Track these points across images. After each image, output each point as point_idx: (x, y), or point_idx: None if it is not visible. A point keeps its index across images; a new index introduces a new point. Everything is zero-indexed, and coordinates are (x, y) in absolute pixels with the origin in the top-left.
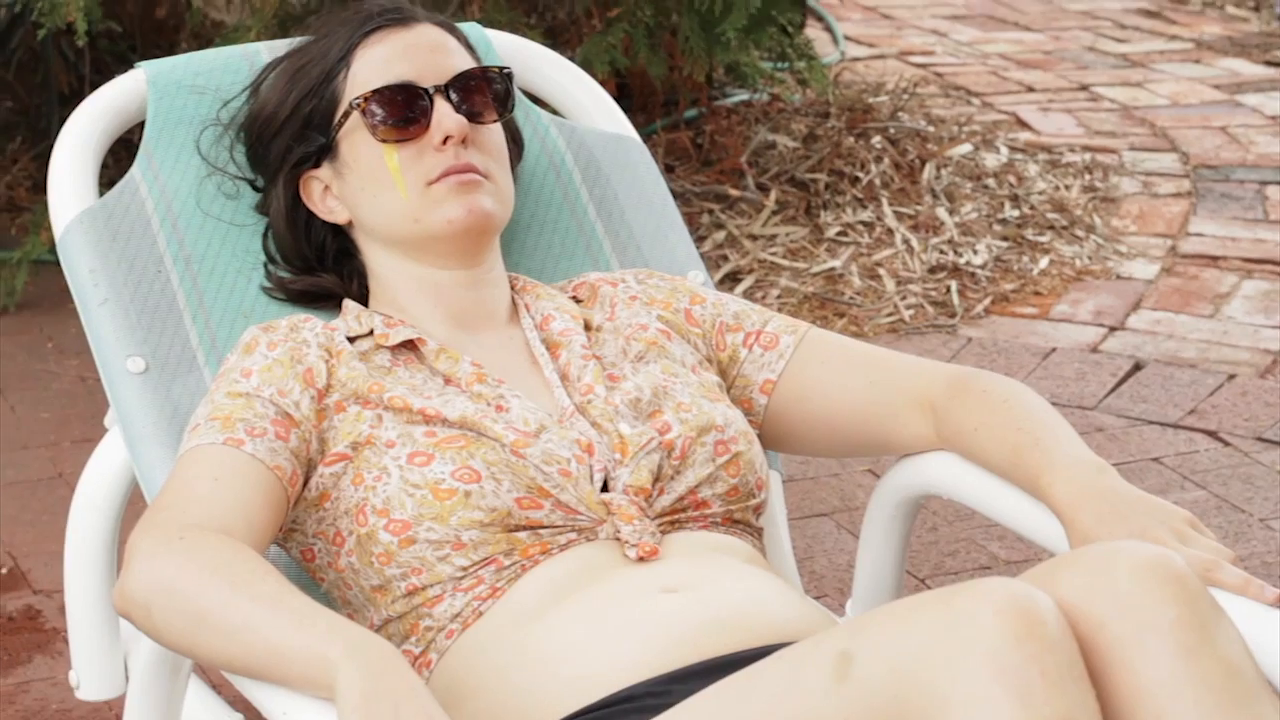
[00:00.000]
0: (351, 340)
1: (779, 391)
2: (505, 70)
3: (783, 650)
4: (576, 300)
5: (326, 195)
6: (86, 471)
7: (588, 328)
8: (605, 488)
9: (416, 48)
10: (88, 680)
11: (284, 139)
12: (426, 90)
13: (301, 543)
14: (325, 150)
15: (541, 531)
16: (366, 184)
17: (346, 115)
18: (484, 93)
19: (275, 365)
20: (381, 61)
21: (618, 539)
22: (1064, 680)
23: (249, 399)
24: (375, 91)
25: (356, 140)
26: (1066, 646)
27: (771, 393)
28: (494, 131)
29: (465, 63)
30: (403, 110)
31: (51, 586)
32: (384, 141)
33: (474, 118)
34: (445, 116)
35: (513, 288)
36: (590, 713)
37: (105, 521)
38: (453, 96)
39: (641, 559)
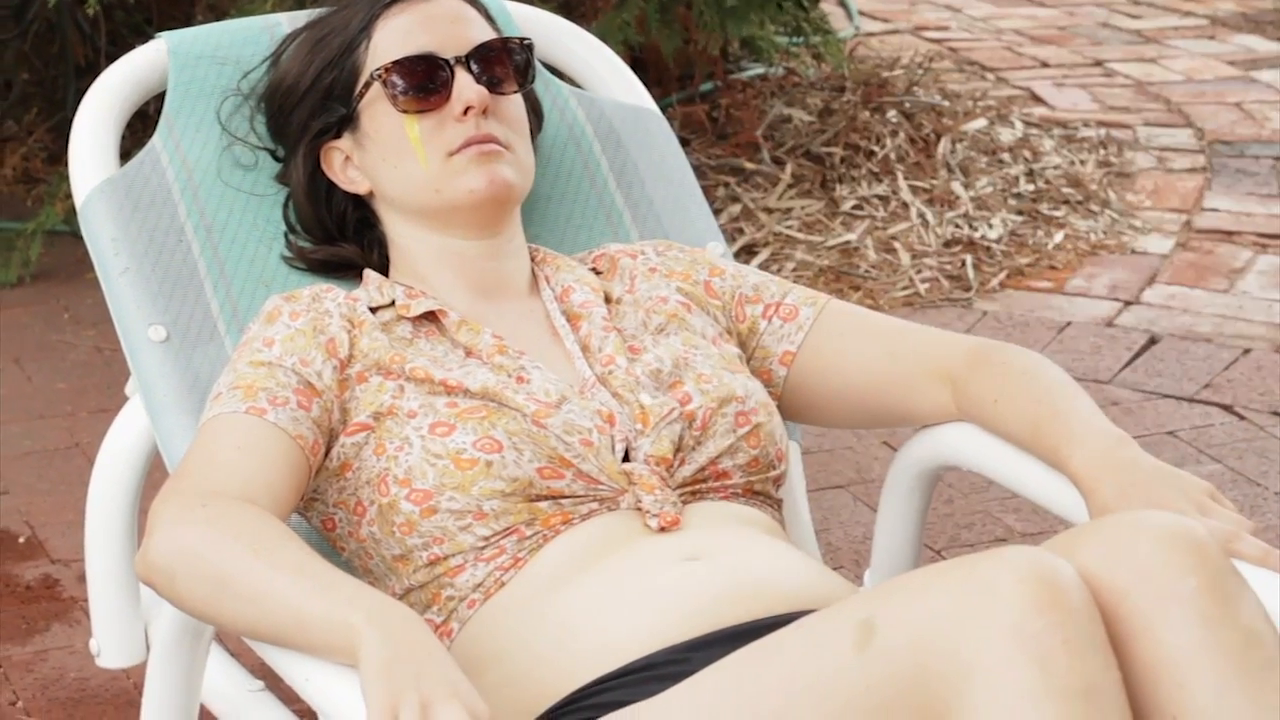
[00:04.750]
0: (373, 311)
1: (798, 363)
2: (526, 41)
3: (803, 619)
4: (596, 272)
5: (347, 165)
6: (107, 440)
7: (608, 300)
8: (626, 458)
9: (437, 18)
10: (108, 648)
11: (305, 109)
12: (447, 61)
13: (322, 512)
14: (346, 121)
15: (563, 501)
16: (387, 154)
17: (368, 86)
18: (504, 63)
19: (298, 335)
20: (402, 32)
21: (639, 509)
22: (1086, 649)
23: (271, 368)
24: (396, 62)
25: (377, 111)
26: (1088, 615)
27: (791, 364)
28: (514, 102)
29: (486, 34)
30: (424, 81)
31: (69, 556)
32: (405, 112)
33: (495, 88)
34: (466, 87)
35: (533, 259)
36: (610, 680)
37: (125, 490)
38: (474, 67)
39: (663, 529)
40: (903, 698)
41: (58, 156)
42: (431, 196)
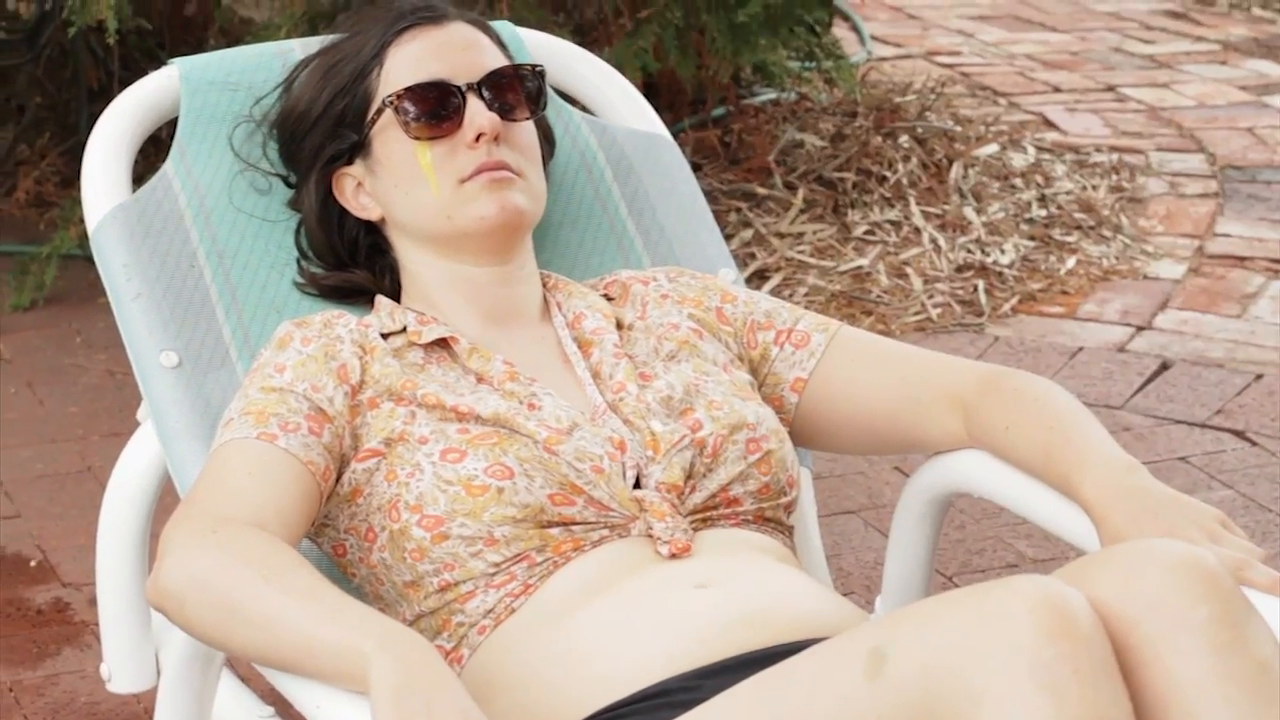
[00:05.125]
0: (385, 337)
1: (810, 389)
2: (537, 68)
3: (814, 647)
4: (608, 298)
5: (359, 192)
6: (118, 465)
7: (619, 326)
8: (638, 484)
9: (449, 45)
10: (119, 673)
11: (317, 136)
12: (459, 88)
13: (333, 538)
14: (358, 147)
15: (574, 528)
16: (400, 181)
17: (380, 112)
18: (516, 90)
19: (309, 361)
20: (414, 59)
21: (650, 536)
22: (1097, 677)
23: (283, 394)
24: (408, 89)
25: (389, 137)
26: (1099, 644)
27: (803, 391)
28: (526, 129)
29: (497, 60)
30: (435, 107)
31: (80, 580)
32: (417, 139)
33: (506, 115)
34: (478, 114)
35: (545, 285)
36: (622, 708)
37: (137, 515)
38: (485, 94)
39: (674, 555)
40: None
41: (70, 180)
42: (443, 223)
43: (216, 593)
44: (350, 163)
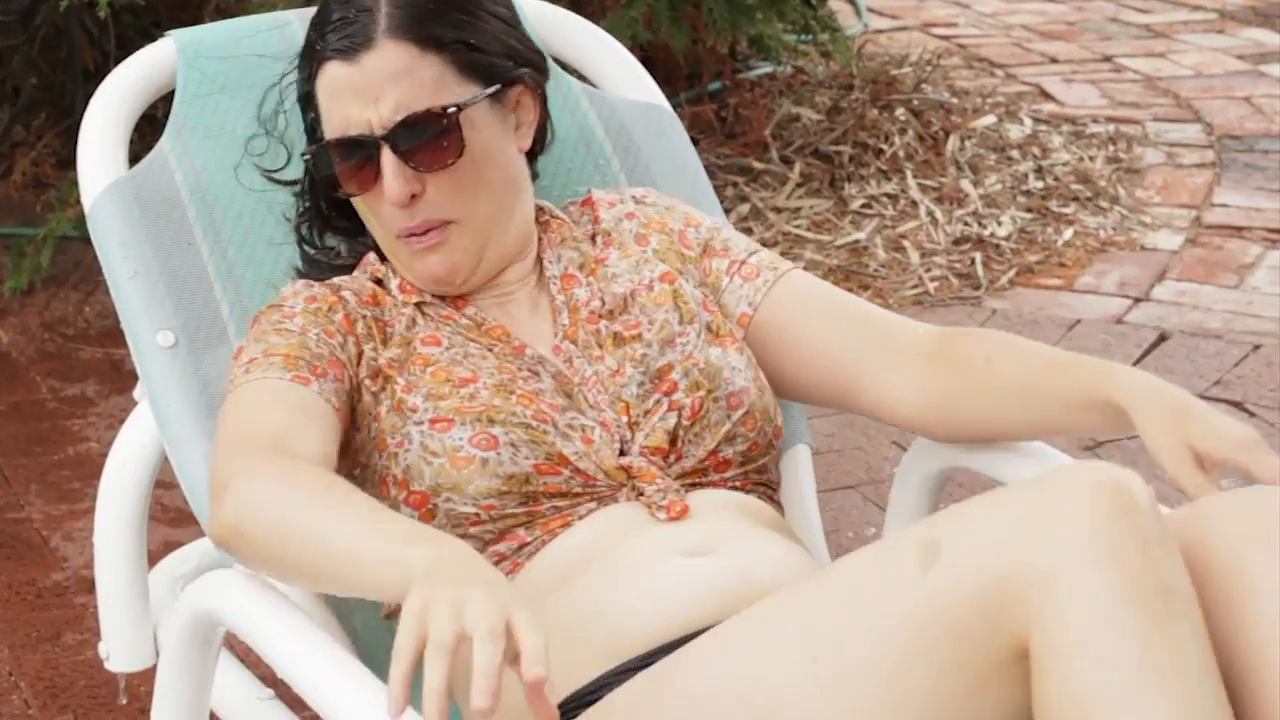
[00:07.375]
0: (378, 283)
1: (755, 325)
2: (449, 109)
3: (862, 548)
4: (592, 238)
5: None
6: (116, 445)
7: (595, 267)
8: (622, 453)
9: (364, 85)
10: (117, 652)
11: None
12: (373, 140)
13: None
14: None
15: (559, 502)
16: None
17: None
18: (435, 135)
19: (315, 312)
20: (331, 100)
21: (640, 499)
22: (1160, 549)
23: (302, 338)
24: (321, 145)
25: None
26: (1158, 520)
27: (748, 326)
28: (457, 170)
29: (416, 94)
30: (350, 165)
31: (81, 562)
32: (346, 192)
33: (425, 166)
34: (390, 178)
35: (539, 225)
36: (620, 673)
37: (134, 494)
38: (398, 146)
39: (672, 519)
40: (975, 611)
41: (67, 162)
42: (401, 267)
43: (272, 514)
44: None
